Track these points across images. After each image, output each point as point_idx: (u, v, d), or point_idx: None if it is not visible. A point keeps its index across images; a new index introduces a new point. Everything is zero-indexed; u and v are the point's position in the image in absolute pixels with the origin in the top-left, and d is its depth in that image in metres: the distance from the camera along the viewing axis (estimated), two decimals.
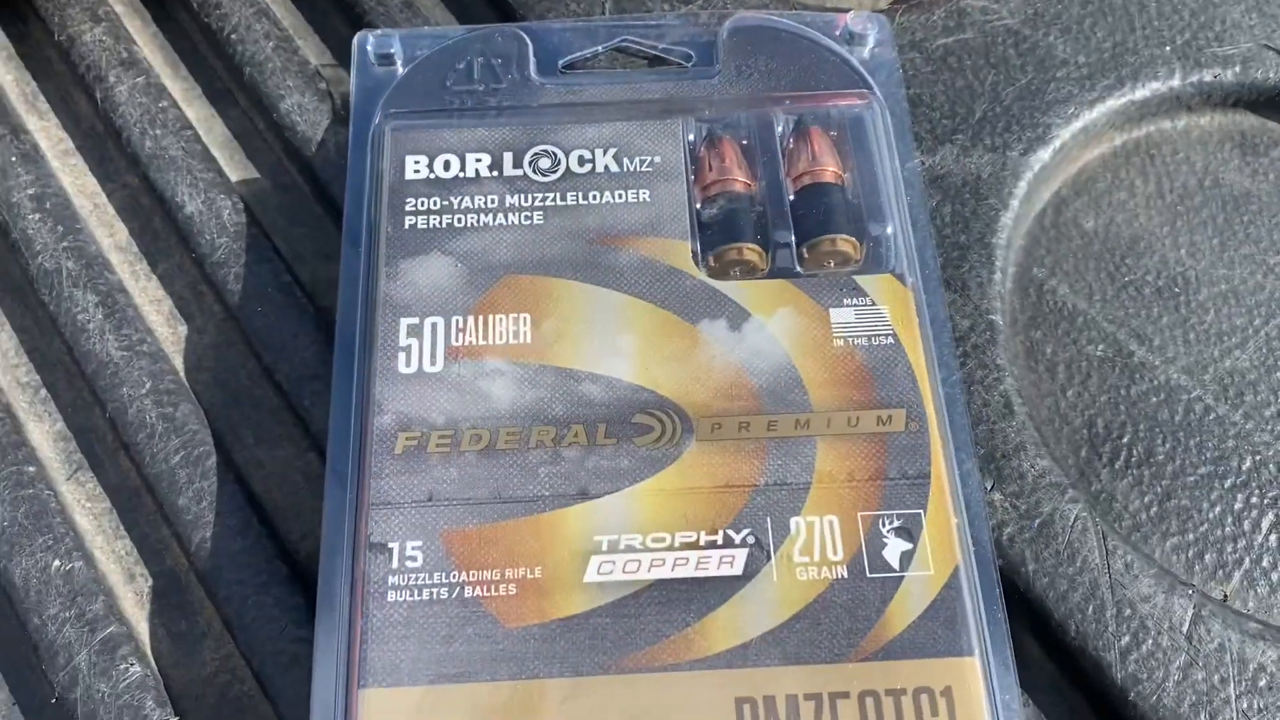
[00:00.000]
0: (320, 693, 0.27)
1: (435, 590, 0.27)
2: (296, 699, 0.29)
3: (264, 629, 0.30)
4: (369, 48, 0.36)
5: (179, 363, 0.34)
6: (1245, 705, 0.29)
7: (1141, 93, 0.39)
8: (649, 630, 0.27)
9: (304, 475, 0.32)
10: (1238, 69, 0.39)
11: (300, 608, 0.30)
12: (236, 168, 0.38)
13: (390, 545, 0.28)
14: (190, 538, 0.31)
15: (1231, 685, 0.29)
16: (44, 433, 0.34)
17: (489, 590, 0.27)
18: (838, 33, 0.37)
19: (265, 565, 0.31)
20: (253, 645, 0.30)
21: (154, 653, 0.31)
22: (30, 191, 0.36)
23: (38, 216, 0.36)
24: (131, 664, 0.29)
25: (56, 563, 0.31)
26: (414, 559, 0.27)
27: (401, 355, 0.30)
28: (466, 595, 0.27)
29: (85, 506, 0.33)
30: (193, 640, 0.31)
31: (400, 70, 0.36)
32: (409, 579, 0.27)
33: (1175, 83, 0.39)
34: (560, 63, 0.37)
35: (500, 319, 0.31)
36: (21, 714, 0.30)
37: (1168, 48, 0.39)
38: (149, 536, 0.32)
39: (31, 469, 0.32)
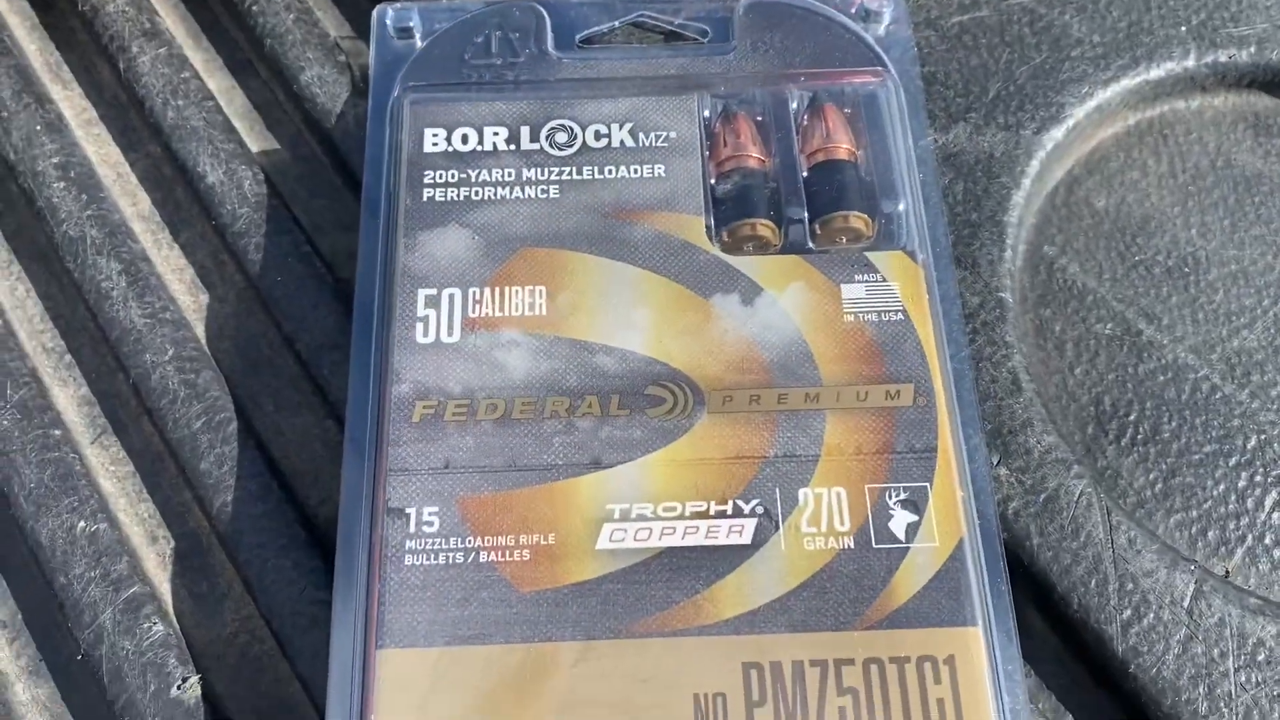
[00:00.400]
0: (339, 653, 0.28)
1: (451, 555, 0.28)
2: (315, 658, 0.30)
3: (283, 591, 0.31)
4: (388, 21, 0.37)
5: (200, 331, 0.35)
6: (1244, 679, 0.29)
7: (1156, 73, 0.39)
8: (659, 596, 0.27)
9: (323, 442, 0.33)
10: (1253, 50, 0.39)
11: (319, 571, 0.31)
12: (257, 138, 0.39)
13: (408, 510, 0.28)
14: (211, 501, 0.32)
15: (1230, 659, 0.30)
16: (69, 397, 0.35)
17: (503, 555, 0.28)
18: (853, 10, 0.37)
19: (285, 529, 0.31)
20: (272, 606, 0.31)
21: (176, 613, 0.31)
22: (55, 160, 0.37)
23: (62, 185, 0.36)
24: (154, 623, 0.30)
25: (82, 524, 0.31)
26: (431, 524, 0.28)
27: (419, 325, 0.31)
28: (481, 560, 0.28)
29: (109, 470, 0.34)
30: (214, 601, 0.32)
31: (419, 43, 0.37)
32: (426, 543, 0.28)
33: (1190, 63, 0.39)
34: (577, 37, 0.37)
35: (516, 291, 0.31)
36: (48, 670, 0.31)
37: (1183, 28, 0.39)
38: (171, 500, 0.33)
39: (57, 432, 0.33)
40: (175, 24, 0.41)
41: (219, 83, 0.40)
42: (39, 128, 0.37)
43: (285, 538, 0.31)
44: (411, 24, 0.36)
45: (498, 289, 0.31)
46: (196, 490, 0.32)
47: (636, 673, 0.26)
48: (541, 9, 0.37)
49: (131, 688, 0.29)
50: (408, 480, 0.29)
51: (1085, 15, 0.40)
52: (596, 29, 0.37)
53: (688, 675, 0.26)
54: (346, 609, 0.28)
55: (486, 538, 0.28)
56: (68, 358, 0.35)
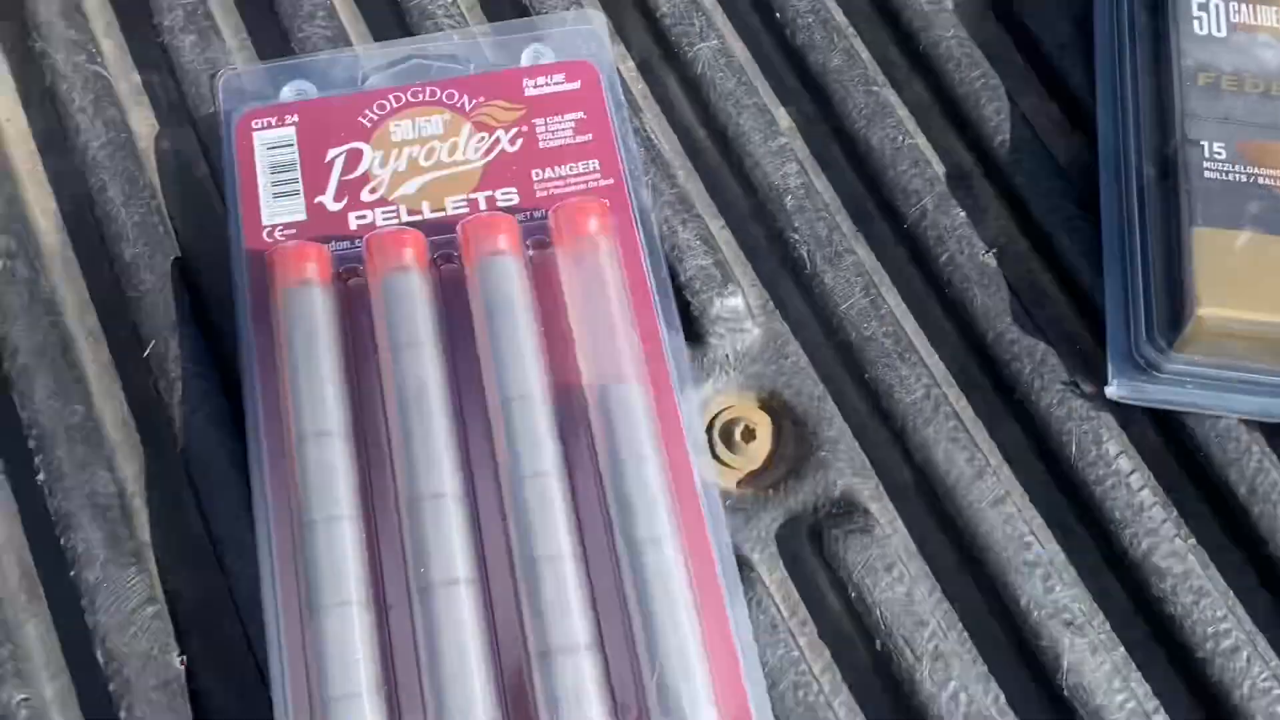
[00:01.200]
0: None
1: (1235, 176, 0.38)
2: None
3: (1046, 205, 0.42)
4: None
5: None
6: None
7: None
8: None
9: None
10: None
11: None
12: None
13: (1201, 143, 0.39)
14: None
15: None
16: None
17: (1273, 181, 0.38)
18: None
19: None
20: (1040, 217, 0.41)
21: None
22: None
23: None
24: None
25: None
26: (1220, 154, 0.38)
27: (1195, 22, 0.41)
28: (1259, 182, 0.38)
29: None
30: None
31: None
32: (1217, 166, 0.38)
33: None
34: None
35: (1264, 9, 0.41)
36: None
37: None
38: None
39: None
40: None
41: None
42: None
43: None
44: None
45: (1251, 5, 0.41)
46: None
47: None
48: None
49: None
50: (1202, 124, 0.39)
51: None
52: None
53: None
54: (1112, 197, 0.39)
55: (1259, 168, 0.38)
56: None
